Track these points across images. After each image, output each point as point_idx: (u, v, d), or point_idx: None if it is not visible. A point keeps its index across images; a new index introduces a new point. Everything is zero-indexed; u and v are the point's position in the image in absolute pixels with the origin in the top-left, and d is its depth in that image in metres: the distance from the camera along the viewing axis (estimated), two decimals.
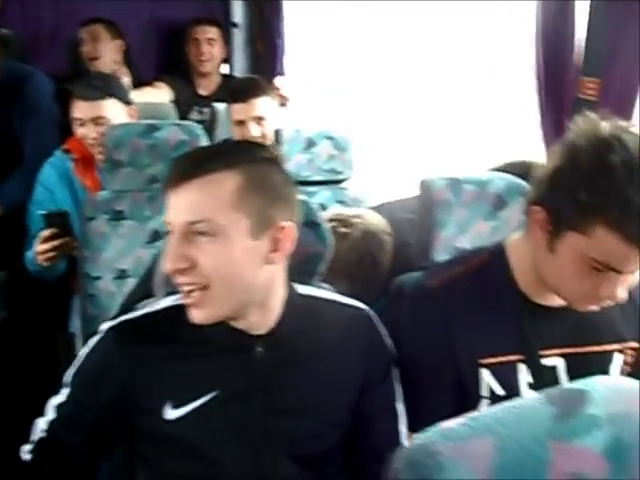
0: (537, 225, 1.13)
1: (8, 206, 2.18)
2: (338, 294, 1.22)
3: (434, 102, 2.83)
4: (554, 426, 0.55)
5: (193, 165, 1.00)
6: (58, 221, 1.86)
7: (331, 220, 1.28)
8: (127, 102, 2.12)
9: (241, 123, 2.30)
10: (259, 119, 2.28)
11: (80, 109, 2.04)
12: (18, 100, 2.25)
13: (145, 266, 1.88)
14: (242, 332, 1.06)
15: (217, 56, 3.16)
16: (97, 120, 2.03)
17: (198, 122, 3.08)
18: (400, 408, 1.17)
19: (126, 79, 2.74)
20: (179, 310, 1.06)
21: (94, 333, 1.84)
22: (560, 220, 1.08)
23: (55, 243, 1.86)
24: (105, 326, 1.08)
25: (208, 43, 3.11)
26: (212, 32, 3.13)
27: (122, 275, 1.92)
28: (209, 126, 2.84)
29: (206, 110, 3.08)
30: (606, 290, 1.09)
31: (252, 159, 1.03)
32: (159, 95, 3.01)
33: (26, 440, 1.08)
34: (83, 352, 1.08)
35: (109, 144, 1.87)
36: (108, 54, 2.90)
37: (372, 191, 2.44)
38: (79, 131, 2.06)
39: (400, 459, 0.55)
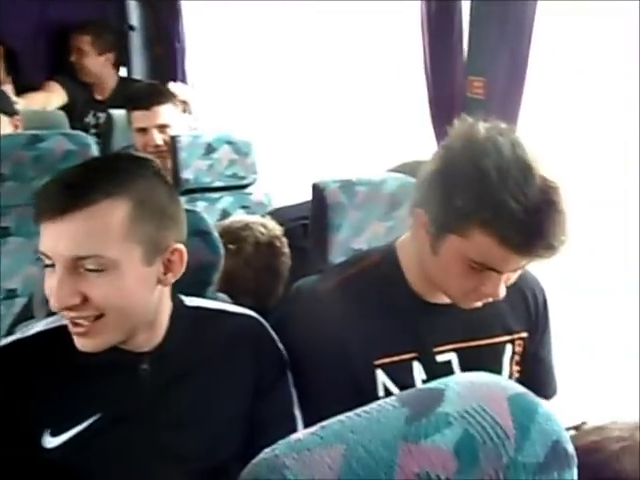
0: (420, 227, 1.15)
1: None
2: (230, 303, 1.20)
3: (331, 103, 2.84)
4: (405, 428, 0.54)
5: (75, 194, 0.91)
6: None
7: (220, 236, 1.25)
8: (10, 113, 2.01)
9: (143, 131, 2.23)
10: (162, 127, 2.22)
11: None
12: None
13: (35, 284, 1.81)
14: (126, 351, 1.02)
15: (88, 66, 3.03)
16: None
17: (94, 126, 3.03)
18: (297, 414, 1.16)
19: (8, 87, 2.60)
20: (55, 333, 1.01)
21: None
22: (439, 223, 1.10)
23: None
24: None
25: (75, 52, 3.02)
26: (80, 41, 3.03)
27: (11, 295, 1.82)
28: (105, 133, 2.74)
29: (102, 115, 2.98)
30: (488, 289, 1.12)
31: (138, 181, 0.96)
32: (52, 99, 2.89)
33: None
34: None
35: None
36: None
37: (276, 195, 2.42)
38: None
39: (246, 475, 0.52)
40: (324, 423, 0.54)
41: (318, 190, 1.50)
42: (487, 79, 1.70)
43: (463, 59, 1.80)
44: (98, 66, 3.05)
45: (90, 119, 3.04)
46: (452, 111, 1.78)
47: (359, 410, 0.56)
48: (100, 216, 0.92)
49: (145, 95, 2.27)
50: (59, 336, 1.00)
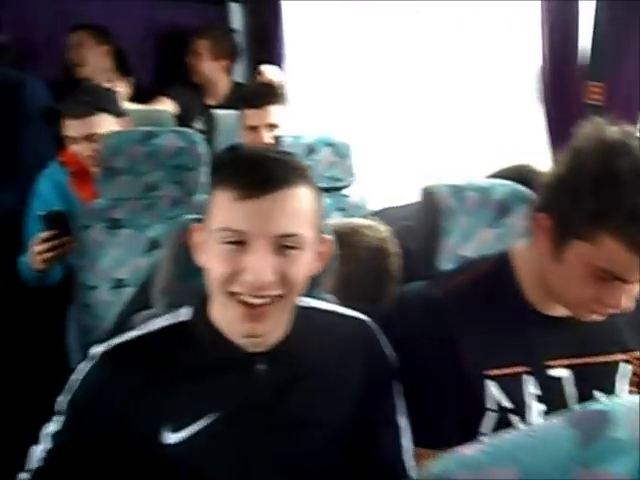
0: (542, 233, 1.11)
1: (3, 213, 2.14)
2: (339, 305, 1.20)
3: (437, 106, 2.81)
4: (578, 451, 0.52)
5: (278, 176, 0.96)
6: (57, 222, 1.83)
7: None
8: (119, 114, 2.09)
9: (254, 129, 2.29)
10: (272, 126, 2.28)
11: (71, 127, 2.01)
12: (12, 108, 2.22)
13: (142, 275, 1.87)
14: (242, 350, 1.03)
15: (204, 69, 3.08)
16: (89, 137, 2.00)
17: (200, 131, 3.11)
18: (402, 422, 1.14)
19: (121, 88, 2.71)
20: (173, 330, 1.04)
21: (90, 343, 1.81)
22: (565, 228, 1.06)
23: (54, 243, 1.83)
24: (97, 350, 1.04)
25: (193, 55, 3.07)
26: (197, 45, 3.08)
27: (119, 284, 1.88)
28: (208, 132, 2.81)
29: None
30: (611, 299, 1.07)
31: (310, 175, 1.02)
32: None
33: (17, 459, 1.04)
34: (76, 378, 1.03)
35: (105, 152, 1.84)
36: (93, 60, 2.88)
37: (373, 197, 2.42)
38: (73, 148, 2.04)
39: None
40: (492, 440, 0.53)
41: (428, 194, 1.48)
42: (608, 84, 1.63)
43: (580, 63, 1.74)
44: (212, 70, 3.10)
45: (198, 125, 3.12)
46: (567, 117, 1.72)
47: (525, 429, 0.55)
48: (298, 198, 0.96)
49: (259, 94, 2.33)
50: (179, 332, 1.03)
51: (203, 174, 1.97)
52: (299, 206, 0.96)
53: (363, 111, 2.97)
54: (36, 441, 1.04)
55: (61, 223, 1.84)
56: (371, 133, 2.87)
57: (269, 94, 2.31)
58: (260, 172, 0.96)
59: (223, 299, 0.98)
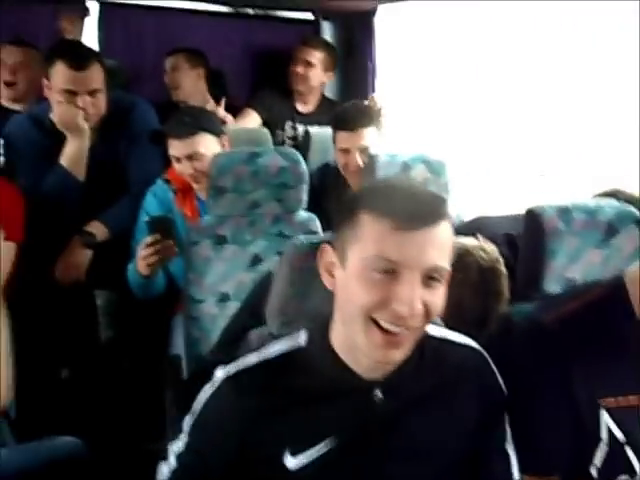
0: None
1: (115, 230, 2.27)
2: (448, 329, 1.21)
3: (531, 125, 2.77)
4: None
5: (433, 210, 0.99)
6: (162, 226, 1.93)
7: None
8: (218, 133, 2.18)
9: (346, 151, 2.34)
10: (364, 149, 2.31)
11: (175, 147, 2.12)
12: (124, 129, 2.35)
13: (246, 290, 1.94)
14: (359, 377, 1.05)
15: (312, 78, 3.18)
16: (192, 156, 2.11)
17: (292, 138, 3.21)
18: (511, 450, 1.14)
19: (220, 111, 2.81)
20: (292, 355, 1.07)
21: (198, 355, 1.90)
22: None
23: (158, 247, 1.92)
24: (219, 375, 1.08)
25: (305, 65, 3.15)
26: (312, 55, 3.16)
27: (224, 298, 1.96)
28: (303, 149, 2.88)
29: (299, 126, 3.15)
30: None
31: None
32: (248, 123, 3.08)
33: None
34: (200, 401, 1.08)
35: (214, 171, 1.92)
36: (188, 83, 3.00)
37: (467, 214, 2.40)
38: (176, 167, 2.15)
39: None
40: None
41: (534, 215, 1.47)
42: None
43: None
44: (319, 80, 3.19)
45: (288, 130, 3.20)
46: None
47: None
48: (445, 232, 0.99)
49: (351, 117, 2.37)
50: (297, 357, 1.06)
51: (303, 192, 2.03)
52: (445, 240, 0.99)
53: (459, 129, 2.96)
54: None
55: (165, 228, 1.93)
56: (467, 150, 2.85)
57: (362, 116, 2.35)
58: (419, 205, 0.98)
59: (360, 325, 0.99)
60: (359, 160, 2.31)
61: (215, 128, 2.18)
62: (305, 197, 2.05)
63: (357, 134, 2.32)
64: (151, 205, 2.20)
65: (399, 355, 1.01)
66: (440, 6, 2.94)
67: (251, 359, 1.09)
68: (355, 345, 1.02)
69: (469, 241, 1.46)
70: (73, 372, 2.36)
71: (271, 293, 1.23)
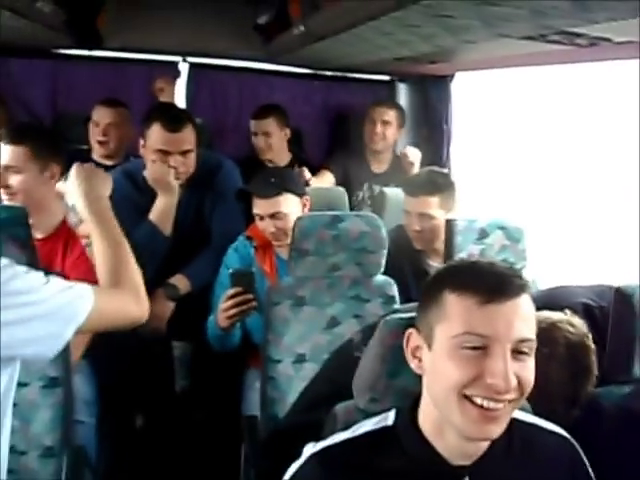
0: None
1: (196, 283, 2.35)
2: (532, 406, 1.19)
3: (610, 194, 2.73)
4: None
5: (515, 282, 1.02)
6: (243, 280, 2.00)
7: None
8: (301, 194, 2.25)
9: (408, 214, 2.42)
10: (429, 217, 2.39)
11: (259, 206, 2.20)
12: (210, 186, 2.46)
13: (322, 351, 1.97)
14: (446, 461, 1.05)
15: (389, 137, 3.27)
16: (275, 215, 2.17)
17: (369, 198, 3.26)
18: None
19: (305, 172, 2.90)
20: (379, 435, 1.08)
21: (274, 416, 1.92)
22: None
23: (239, 300, 1.98)
24: (307, 450, 1.10)
25: (384, 123, 3.24)
26: (388, 114, 3.25)
27: (300, 359, 1.98)
28: (378, 210, 2.93)
29: (376, 187, 3.22)
30: None
31: None
32: (324, 183, 3.16)
33: None
34: (288, 476, 1.09)
35: (297, 234, 1.98)
36: (277, 144, 3.10)
37: (544, 282, 2.37)
38: (259, 224, 2.22)
39: None
40: None
41: (624, 295, 1.45)
42: None
43: None
44: (394, 138, 3.29)
45: (365, 191, 3.27)
46: None
47: None
48: (528, 304, 1.03)
49: (421, 185, 2.43)
50: (385, 438, 1.07)
51: (382, 257, 2.06)
52: (529, 312, 1.02)
53: (536, 194, 2.95)
54: None
55: (246, 281, 2.00)
56: (544, 216, 2.83)
57: (431, 185, 2.40)
58: (502, 278, 1.02)
59: (455, 403, 1.00)
60: (416, 225, 2.39)
61: (298, 189, 2.25)
62: (383, 262, 2.08)
63: (422, 200, 2.39)
64: (232, 260, 2.27)
65: (496, 430, 1.00)
66: (518, 73, 2.97)
67: (339, 436, 1.11)
68: (447, 426, 1.03)
69: (556, 314, 1.44)
70: (147, 420, 2.42)
71: (360, 367, 1.24)
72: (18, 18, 1.88)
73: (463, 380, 0.99)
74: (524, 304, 1.01)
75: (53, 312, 1.19)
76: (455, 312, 1.01)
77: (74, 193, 1.47)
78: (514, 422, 1.09)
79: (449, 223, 2.31)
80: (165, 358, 2.44)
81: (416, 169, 3.11)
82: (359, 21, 1.69)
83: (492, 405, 0.98)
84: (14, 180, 1.93)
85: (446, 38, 1.75)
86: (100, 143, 2.91)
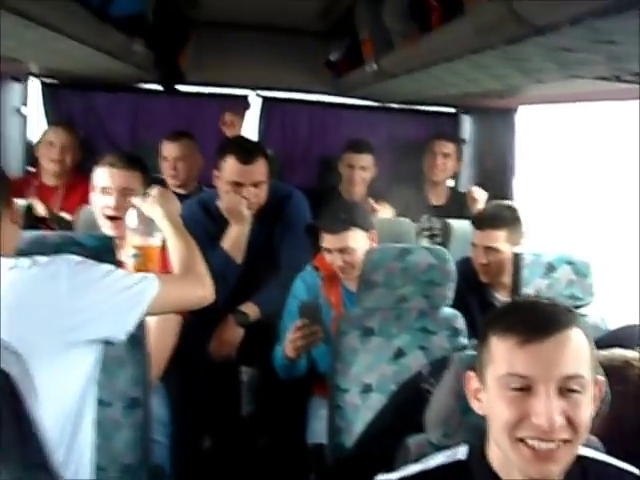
0: None
1: (265, 311, 2.42)
2: (609, 454, 1.18)
3: None
4: None
5: (555, 319, 1.03)
6: (310, 312, 2.06)
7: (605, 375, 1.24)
8: (368, 228, 2.29)
9: (475, 246, 2.43)
10: (494, 250, 2.40)
11: (328, 241, 2.25)
12: (280, 217, 2.54)
13: (388, 382, 1.99)
14: None
15: (449, 169, 3.34)
16: (343, 250, 2.22)
17: (427, 229, 3.29)
18: None
19: (373, 204, 2.96)
20: (451, 469, 1.11)
21: (341, 445, 1.95)
22: None
23: (306, 331, 2.04)
24: None
25: (444, 156, 3.30)
26: (448, 147, 3.32)
27: (367, 389, 2.01)
28: (442, 241, 2.96)
29: (435, 219, 3.25)
30: None
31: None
32: (384, 215, 3.20)
33: None
34: None
35: (366, 266, 2.02)
36: (367, 179, 3.18)
37: (612, 317, 2.34)
38: (327, 257, 2.27)
39: None
40: None
41: None
42: None
43: None
44: (453, 171, 3.35)
45: (424, 222, 3.30)
46: None
47: None
48: (575, 339, 1.02)
49: (488, 218, 2.46)
50: (456, 471, 1.09)
51: (450, 289, 2.08)
52: (577, 347, 1.01)
53: (603, 228, 2.91)
54: None
55: (313, 313, 2.06)
56: (612, 250, 2.79)
57: (496, 218, 2.42)
58: (540, 316, 1.03)
59: (509, 444, 1.02)
60: (483, 258, 2.40)
61: (366, 224, 2.29)
62: (451, 294, 2.10)
63: (487, 234, 2.40)
64: (299, 290, 2.33)
65: (554, 470, 1.01)
66: (582, 107, 2.96)
67: (413, 468, 1.14)
68: (511, 464, 1.04)
69: (629, 352, 1.43)
70: (215, 442, 2.49)
71: (433, 402, 1.27)
72: (113, 59, 2.01)
73: (511, 421, 1.01)
74: (570, 340, 1.01)
75: (122, 296, 1.42)
76: (498, 354, 1.03)
77: (154, 206, 1.77)
78: (586, 460, 1.10)
79: (516, 257, 2.31)
80: (233, 383, 2.51)
81: (480, 205, 3.11)
82: (434, 62, 1.74)
83: (543, 446, 0.99)
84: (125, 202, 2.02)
85: (517, 78, 1.78)
86: (171, 176, 3.06)
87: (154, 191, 1.82)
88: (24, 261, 1.37)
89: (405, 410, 1.60)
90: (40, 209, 2.58)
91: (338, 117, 3.56)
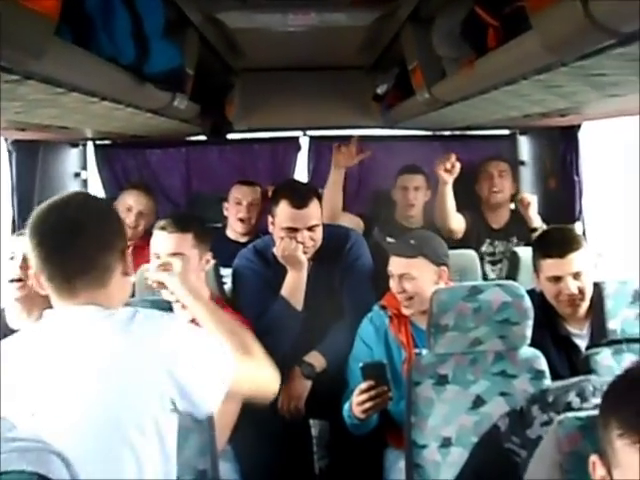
0: None
1: (332, 359, 2.31)
2: None
3: None
4: None
5: None
6: (375, 373, 1.90)
7: None
8: (438, 263, 2.17)
9: (557, 279, 2.14)
10: (577, 275, 2.13)
11: (391, 263, 2.18)
12: (339, 259, 2.44)
13: (468, 434, 1.84)
14: None
15: (507, 189, 3.22)
16: (404, 275, 2.14)
17: (490, 254, 3.14)
18: None
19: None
20: None
21: None
22: None
23: (372, 394, 1.89)
24: None
25: (500, 176, 3.19)
26: (503, 166, 3.22)
27: (446, 443, 1.87)
28: (511, 272, 2.79)
29: (497, 243, 3.14)
30: None
31: None
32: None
33: None
34: None
35: (435, 309, 1.89)
36: (420, 201, 3.09)
37: None
38: (391, 282, 2.19)
39: None
40: None
41: None
42: None
43: None
44: (510, 192, 3.22)
45: (486, 247, 3.15)
46: None
47: None
48: None
49: (559, 243, 2.16)
50: None
51: (528, 328, 1.92)
52: None
53: None
54: None
55: (378, 374, 1.89)
56: None
57: (570, 241, 2.15)
58: None
59: None
60: (572, 287, 2.11)
61: (435, 256, 2.18)
62: (529, 333, 1.93)
63: (567, 260, 2.12)
64: (367, 331, 2.22)
65: None
66: None
67: None
68: None
69: None
70: None
71: (530, 474, 1.12)
72: (156, 116, 1.98)
73: None
74: None
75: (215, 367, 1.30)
76: (627, 463, 0.92)
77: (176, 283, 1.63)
78: None
79: (597, 286, 2.12)
80: (304, 438, 2.39)
81: (534, 210, 3.03)
82: (494, 87, 1.62)
83: None
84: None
85: (588, 94, 1.64)
86: (242, 220, 3.00)
87: (175, 263, 1.76)
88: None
89: (485, 473, 1.46)
90: None
91: (389, 150, 3.46)
